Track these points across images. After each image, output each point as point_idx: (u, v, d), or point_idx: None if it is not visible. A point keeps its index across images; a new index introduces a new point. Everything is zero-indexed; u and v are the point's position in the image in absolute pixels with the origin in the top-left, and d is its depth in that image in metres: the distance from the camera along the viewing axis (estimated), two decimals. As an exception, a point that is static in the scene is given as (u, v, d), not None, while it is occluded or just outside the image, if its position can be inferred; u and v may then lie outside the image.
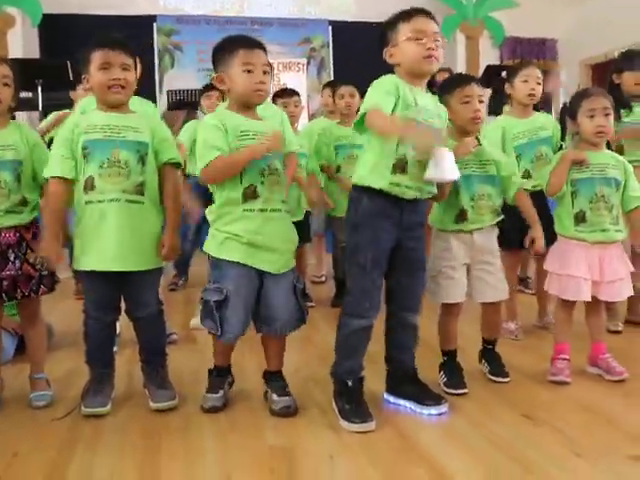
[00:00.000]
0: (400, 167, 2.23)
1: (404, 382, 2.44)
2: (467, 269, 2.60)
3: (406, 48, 2.25)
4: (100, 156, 2.34)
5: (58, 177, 2.34)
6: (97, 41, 2.39)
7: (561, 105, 5.22)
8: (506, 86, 3.37)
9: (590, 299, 2.63)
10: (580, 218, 2.64)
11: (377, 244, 2.29)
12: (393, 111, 2.20)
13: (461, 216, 2.57)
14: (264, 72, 2.34)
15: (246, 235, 2.31)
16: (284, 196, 2.40)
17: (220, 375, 2.51)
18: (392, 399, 2.47)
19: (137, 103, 2.85)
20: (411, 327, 2.43)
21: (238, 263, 2.32)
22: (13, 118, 2.57)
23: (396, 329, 2.44)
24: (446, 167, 2.17)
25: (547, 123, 3.39)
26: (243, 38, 2.41)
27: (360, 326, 2.32)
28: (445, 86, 2.66)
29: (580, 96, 2.70)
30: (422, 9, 2.29)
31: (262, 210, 2.33)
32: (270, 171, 2.34)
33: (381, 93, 2.22)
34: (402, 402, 2.43)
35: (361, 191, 2.30)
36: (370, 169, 2.27)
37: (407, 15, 2.27)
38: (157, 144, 2.45)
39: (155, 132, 2.46)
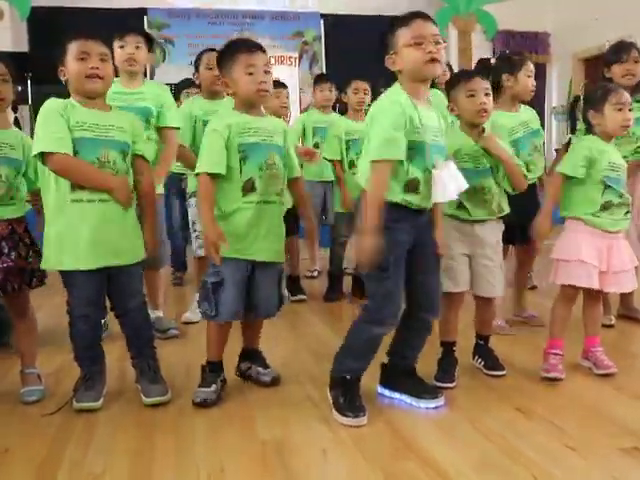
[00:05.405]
0: (413, 187, 2.21)
1: (401, 376, 2.44)
2: (470, 260, 2.61)
3: (407, 54, 2.19)
4: (90, 155, 2.31)
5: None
6: (74, 34, 2.37)
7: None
8: (504, 77, 3.22)
9: (598, 287, 2.60)
10: (606, 207, 2.60)
11: (397, 246, 2.23)
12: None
13: (460, 205, 2.57)
14: (265, 72, 2.41)
15: (240, 227, 2.39)
16: (280, 188, 2.47)
17: (213, 371, 2.49)
18: (387, 392, 2.47)
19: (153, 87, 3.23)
20: (427, 330, 2.42)
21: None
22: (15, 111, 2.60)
23: (411, 328, 2.41)
24: (451, 186, 2.22)
25: (533, 116, 3.33)
26: (243, 42, 2.47)
27: (378, 334, 2.30)
28: (451, 81, 2.67)
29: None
30: (418, 12, 2.24)
31: (258, 202, 2.40)
32: (267, 165, 2.40)
33: (390, 130, 2.14)
34: (397, 396, 2.43)
35: None
36: None
37: (405, 20, 2.21)
38: (134, 137, 2.46)
39: (133, 128, 2.46)
